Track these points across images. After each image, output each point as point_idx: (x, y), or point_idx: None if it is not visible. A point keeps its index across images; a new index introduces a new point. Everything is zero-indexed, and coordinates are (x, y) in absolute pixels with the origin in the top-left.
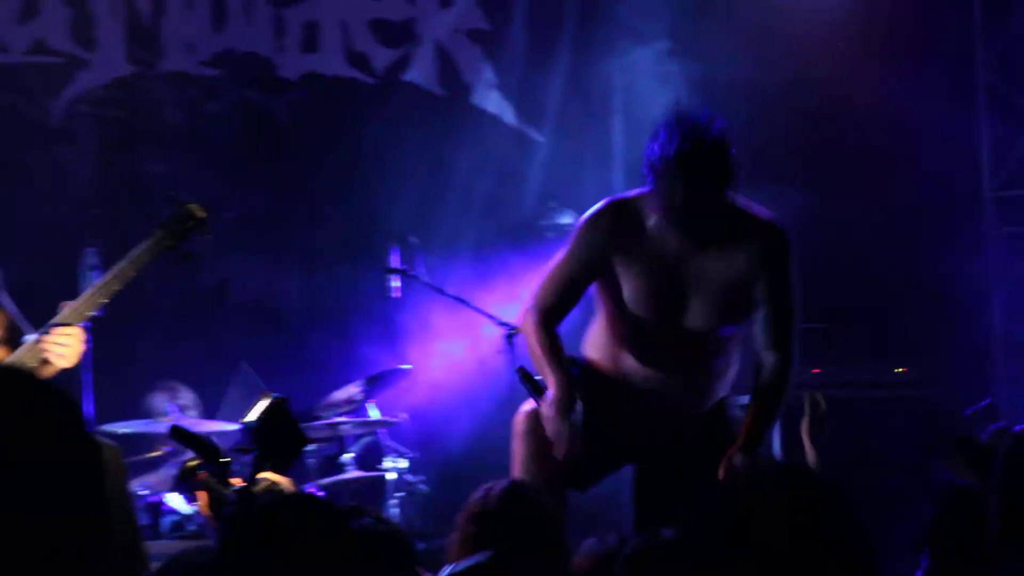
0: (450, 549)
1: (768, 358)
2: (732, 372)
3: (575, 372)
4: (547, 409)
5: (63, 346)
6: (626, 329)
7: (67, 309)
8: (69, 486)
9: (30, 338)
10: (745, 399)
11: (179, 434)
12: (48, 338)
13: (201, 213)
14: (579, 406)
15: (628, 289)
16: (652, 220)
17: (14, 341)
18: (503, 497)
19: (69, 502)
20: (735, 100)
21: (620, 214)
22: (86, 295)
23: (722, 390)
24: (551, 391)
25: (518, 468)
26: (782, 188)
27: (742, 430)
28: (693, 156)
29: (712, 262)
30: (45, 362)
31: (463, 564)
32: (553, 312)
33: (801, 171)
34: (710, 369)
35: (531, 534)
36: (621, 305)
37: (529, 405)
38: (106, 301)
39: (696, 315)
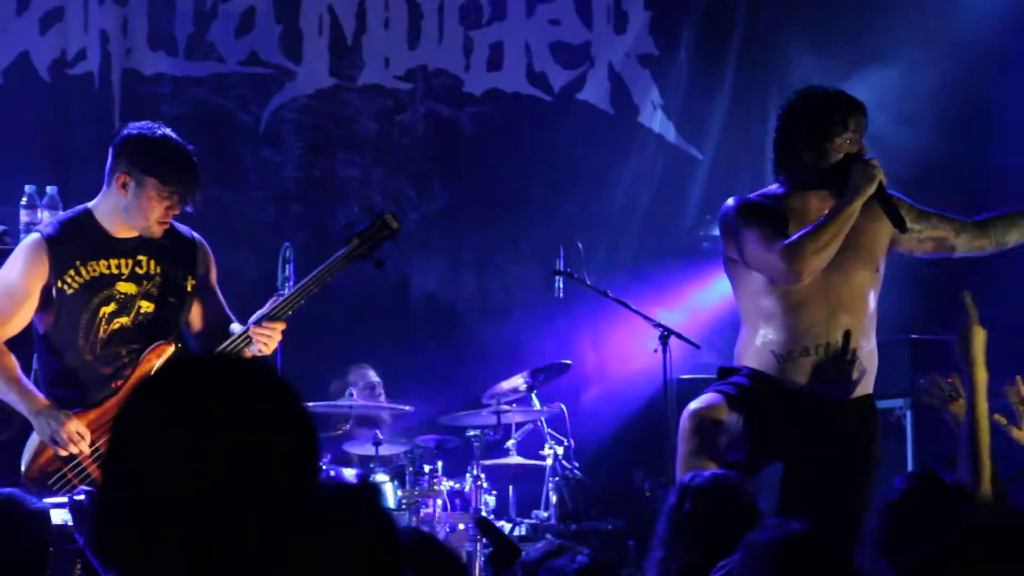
0: (662, 524)
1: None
2: (875, 340)
3: (741, 380)
4: None
5: (268, 337)
6: (782, 300)
7: (273, 305)
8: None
9: (238, 328)
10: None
11: (484, 526)
12: (257, 329)
13: (395, 224)
14: (735, 416)
15: None
16: (781, 196)
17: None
18: (711, 480)
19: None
20: (893, 122)
21: (758, 200)
22: (289, 296)
23: (873, 361)
24: None
25: (682, 464)
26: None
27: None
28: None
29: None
30: (244, 352)
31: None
32: None
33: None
34: (863, 321)
35: (735, 516)
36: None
37: (696, 404)
38: (303, 302)
39: (844, 258)
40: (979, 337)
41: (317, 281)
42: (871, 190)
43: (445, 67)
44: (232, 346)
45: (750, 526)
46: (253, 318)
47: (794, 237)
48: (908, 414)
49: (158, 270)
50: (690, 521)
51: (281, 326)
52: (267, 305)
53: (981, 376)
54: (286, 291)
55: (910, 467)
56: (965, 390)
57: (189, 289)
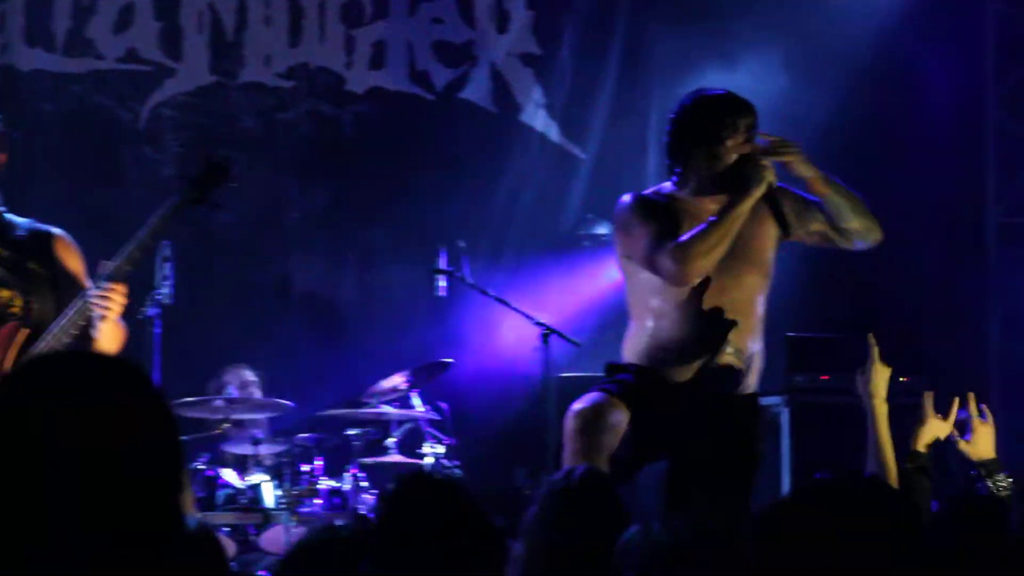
0: (529, 523)
1: None
2: (762, 341)
3: (627, 378)
4: None
5: (108, 300)
6: (672, 298)
7: (108, 267)
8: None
9: (77, 301)
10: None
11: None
12: (94, 293)
13: (226, 165)
14: (621, 414)
15: None
16: (676, 195)
17: None
18: (584, 479)
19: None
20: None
21: (653, 198)
22: (124, 254)
23: (759, 361)
24: None
25: (568, 463)
26: None
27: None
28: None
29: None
30: (90, 322)
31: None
32: None
33: None
34: (752, 322)
35: (603, 515)
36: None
37: (580, 403)
38: (139, 256)
39: (730, 261)
40: (882, 374)
41: (152, 233)
42: (760, 191)
43: (327, 65)
44: (68, 320)
45: (618, 528)
46: (88, 286)
47: (682, 238)
48: (785, 412)
49: (4, 253)
50: (555, 521)
51: (121, 287)
52: (99, 269)
53: (882, 409)
54: (165, 290)
55: (786, 465)
56: (868, 422)
57: (43, 278)
